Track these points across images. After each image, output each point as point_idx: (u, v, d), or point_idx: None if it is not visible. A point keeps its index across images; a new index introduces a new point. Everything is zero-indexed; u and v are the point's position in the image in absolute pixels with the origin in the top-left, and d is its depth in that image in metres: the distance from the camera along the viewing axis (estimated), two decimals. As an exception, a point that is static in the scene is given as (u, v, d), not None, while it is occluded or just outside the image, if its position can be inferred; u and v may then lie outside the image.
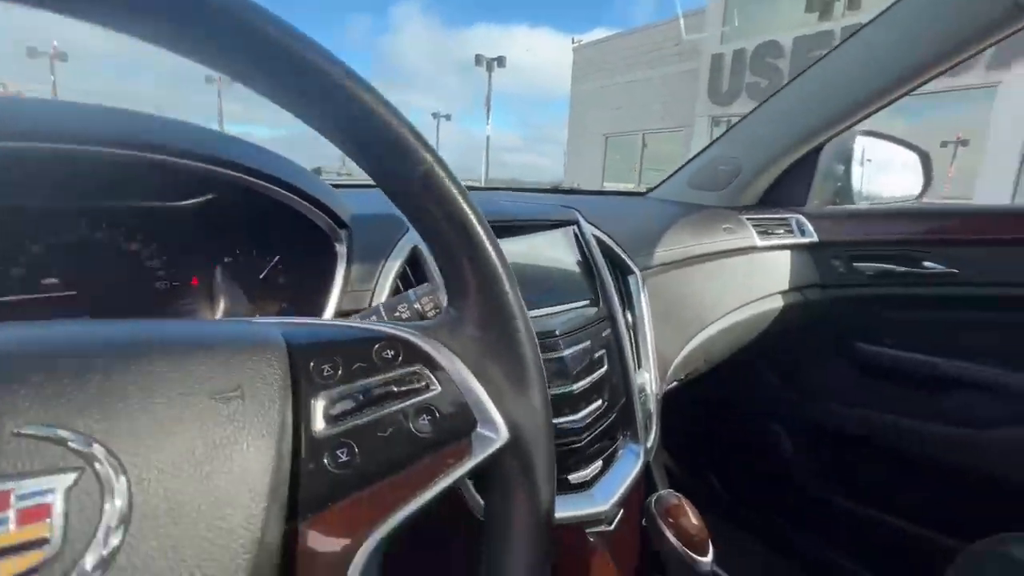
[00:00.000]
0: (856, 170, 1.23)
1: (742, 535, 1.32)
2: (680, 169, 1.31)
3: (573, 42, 16.58)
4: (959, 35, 0.81)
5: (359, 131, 0.28)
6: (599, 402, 0.64)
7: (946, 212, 1.04)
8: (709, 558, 0.50)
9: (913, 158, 1.27)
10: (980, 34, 0.79)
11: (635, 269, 0.79)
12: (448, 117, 25.60)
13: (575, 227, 0.75)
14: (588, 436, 0.62)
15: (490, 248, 0.31)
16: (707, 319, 0.92)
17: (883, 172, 1.28)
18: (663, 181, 1.36)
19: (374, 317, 0.39)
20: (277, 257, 0.56)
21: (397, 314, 0.39)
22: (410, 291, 0.40)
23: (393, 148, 0.29)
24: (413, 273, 0.57)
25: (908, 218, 1.09)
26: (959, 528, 1.02)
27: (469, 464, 0.29)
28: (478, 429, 0.30)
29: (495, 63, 17.76)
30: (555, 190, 1.46)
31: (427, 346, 0.30)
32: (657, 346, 0.79)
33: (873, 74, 0.93)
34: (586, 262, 0.73)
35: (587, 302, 0.70)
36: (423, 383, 0.29)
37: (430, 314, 0.40)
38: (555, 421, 0.60)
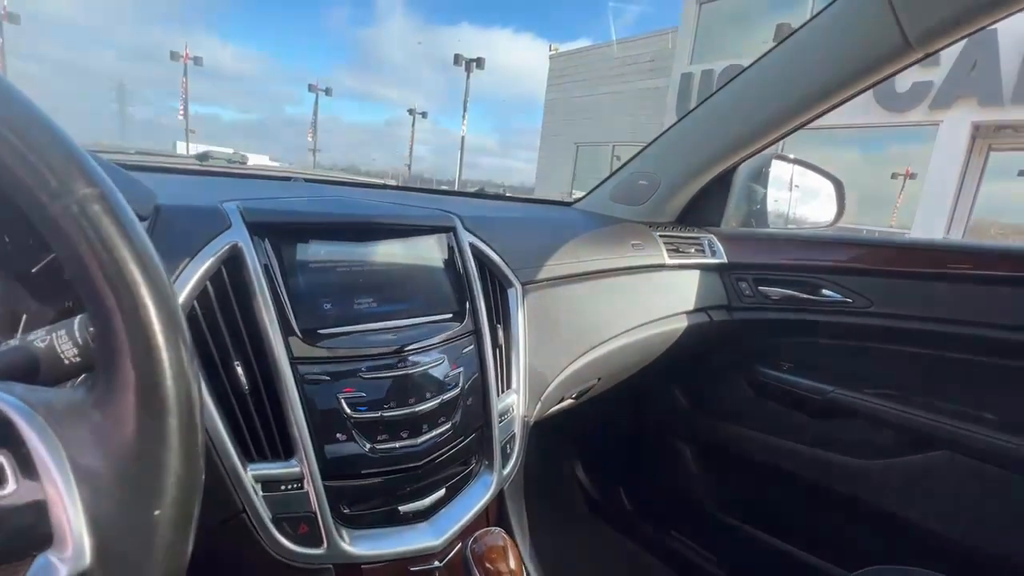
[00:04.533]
0: (770, 194, 1.24)
1: (642, 552, 1.30)
2: (605, 180, 1.29)
3: (551, 49, 16.69)
4: (853, 67, 0.81)
5: None
6: (446, 426, 0.59)
7: (845, 242, 1.05)
8: None
9: (828, 185, 1.29)
10: (872, 68, 0.79)
11: (515, 282, 0.74)
12: (424, 115, 25.39)
13: (451, 234, 0.69)
14: (429, 462, 0.57)
15: (153, 311, 0.25)
16: (599, 336, 0.89)
17: (797, 198, 1.29)
18: (590, 192, 1.33)
19: (62, 332, 0.31)
20: None
21: (93, 329, 0.31)
22: (79, 316, 0.31)
23: (33, 171, 0.23)
24: (231, 277, 0.51)
25: (810, 245, 1.09)
26: (841, 556, 1.02)
27: None
28: (48, 552, 0.23)
29: (474, 64, 17.68)
30: (479, 194, 1.41)
31: (24, 425, 0.23)
32: (535, 365, 0.75)
33: (778, 98, 0.92)
34: (457, 272, 0.68)
35: (451, 315, 0.65)
36: None
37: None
38: (390, 446, 0.55)
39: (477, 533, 0.49)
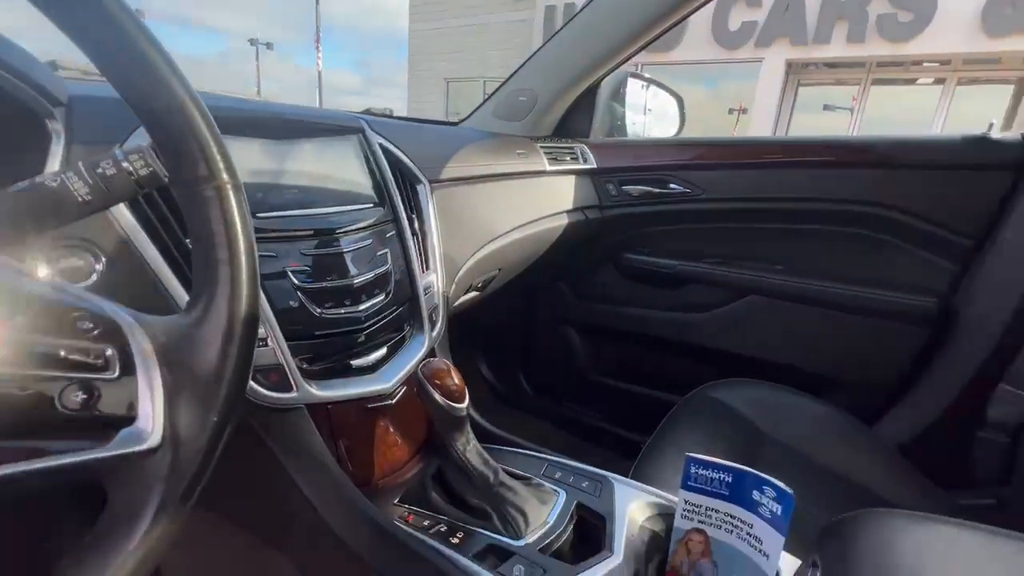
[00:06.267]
0: (629, 116, 1.45)
1: (541, 423, 1.55)
2: (487, 100, 1.38)
3: (410, -26, 15.48)
4: None
5: (165, 135, 0.34)
6: (381, 296, 0.69)
7: (684, 143, 1.30)
8: (464, 404, 0.60)
9: (673, 101, 1.54)
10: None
11: (423, 179, 0.84)
12: (269, 46, 22.29)
13: (360, 135, 0.76)
14: (370, 326, 0.67)
15: (246, 268, 0.35)
16: (497, 230, 1.03)
17: (651, 121, 1.52)
18: (473, 111, 1.42)
19: (72, 173, 0.35)
20: None
21: (100, 170, 0.36)
22: (116, 148, 0.37)
23: (195, 162, 0.33)
24: None
25: (660, 149, 1.33)
26: (691, 387, 1.35)
27: (96, 453, 0.29)
28: (135, 425, 0.30)
29: (322, -13, 15.81)
30: (367, 112, 1.43)
31: (128, 333, 0.30)
32: (447, 252, 0.87)
33: (623, 22, 1.09)
34: (372, 170, 0.76)
35: (371, 205, 0.73)
36: (101, 362, 0.29)
37: (142, 173, 0.38)
38: (336, 311, 0.64)
39: (424, 361, 0.61)
